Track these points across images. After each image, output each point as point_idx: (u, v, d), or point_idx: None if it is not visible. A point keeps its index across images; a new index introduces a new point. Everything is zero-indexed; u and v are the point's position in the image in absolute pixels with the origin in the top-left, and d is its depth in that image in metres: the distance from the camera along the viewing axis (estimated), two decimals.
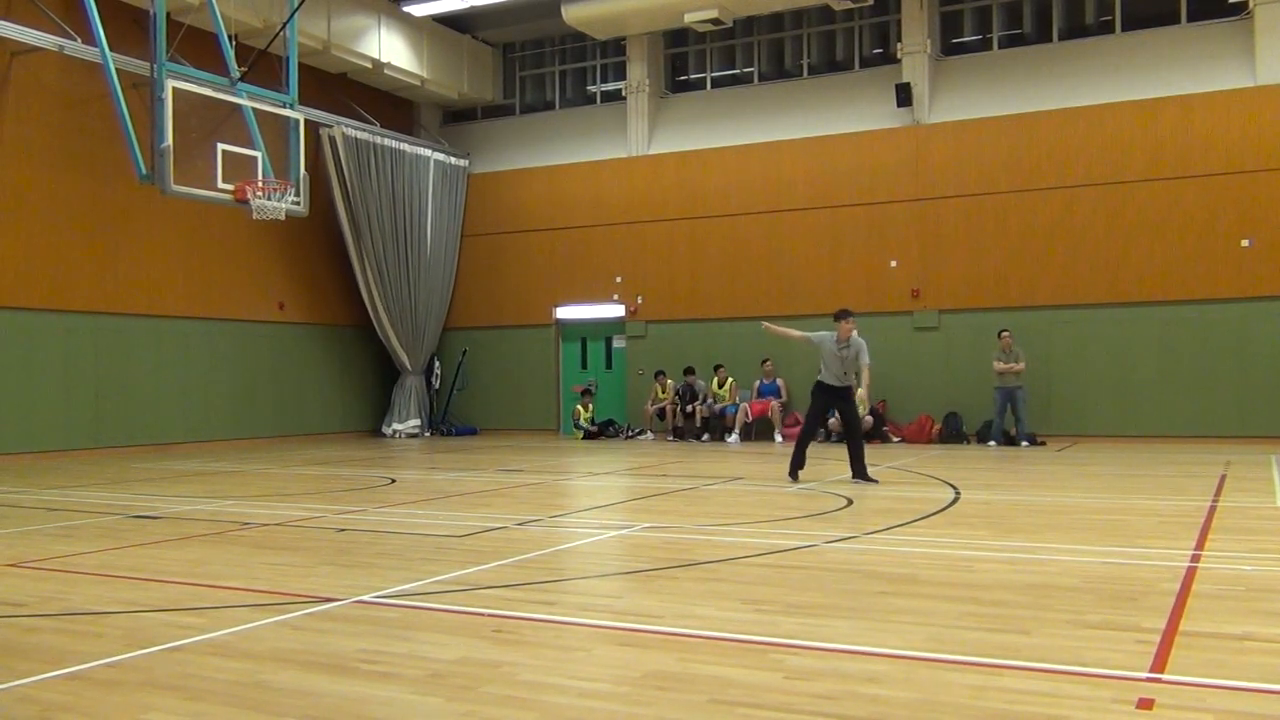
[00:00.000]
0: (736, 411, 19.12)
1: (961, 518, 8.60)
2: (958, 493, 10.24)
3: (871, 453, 15.97)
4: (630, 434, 20.51)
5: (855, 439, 11.39)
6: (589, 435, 20.22)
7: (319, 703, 3.85)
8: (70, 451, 16.09)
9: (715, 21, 18.82)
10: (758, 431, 19.24)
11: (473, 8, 20.39)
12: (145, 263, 17.44)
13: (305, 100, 17.05)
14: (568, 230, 21.59)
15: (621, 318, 21.25)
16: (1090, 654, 4.34)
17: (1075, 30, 18.57)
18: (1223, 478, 11.35)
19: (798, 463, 11.44)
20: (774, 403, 19.10)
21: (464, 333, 22.54)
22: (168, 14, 14.55)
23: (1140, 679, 3.98)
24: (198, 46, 15.62)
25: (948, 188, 18.55)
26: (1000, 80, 18.64)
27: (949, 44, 19.40)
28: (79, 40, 15.38)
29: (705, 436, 19.35)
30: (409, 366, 21.61)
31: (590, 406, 20.64)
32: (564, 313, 21.76)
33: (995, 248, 18.22)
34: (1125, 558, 6.64)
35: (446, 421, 22.14)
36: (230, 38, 15.38)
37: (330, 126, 19.92)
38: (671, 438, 19.78)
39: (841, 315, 11.22)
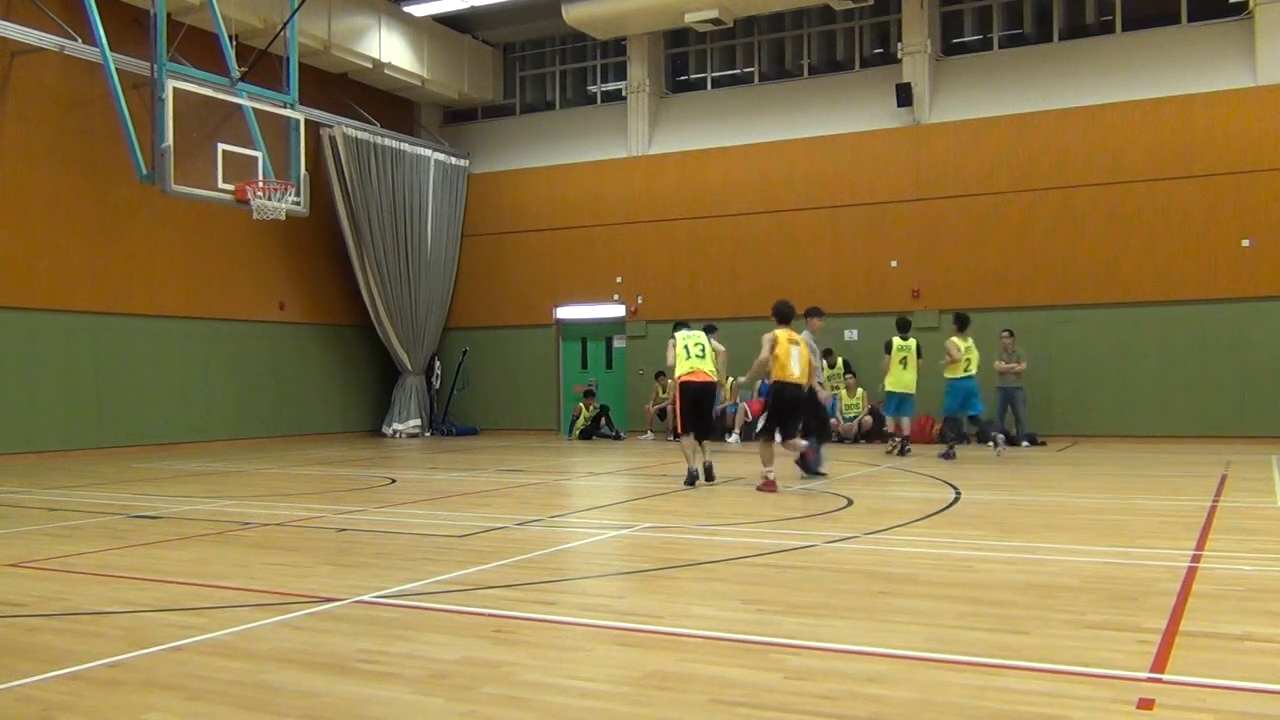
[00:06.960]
0: (736, 411, 19.11)
1: (962, 518, 8.60)
2: (958, 493, 10.24)
3: (872, 453, 16.03)
4: (624, 435, 20.42)
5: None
6: (585, 434, 20.15)
7: (319, 703, 3.85)
8: (71, 451, 16.09)
9: (716, 21, 18.82)
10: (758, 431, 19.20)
11: (473, 8, 20.39)
12: (145, 263, 17.44)
13: (305, 100, 17.05)
14: (568, 230, 21.58)
15: (622, 318, 21.24)
16: (1090, 654, 4.34)
17: (1075, 30, 18.56)
18: (1223, 478, 11.34)
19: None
20: None
21: (464, 333, 22.54)
22: (168, 14, 14.54)
23: (1140, 679, 3.98)
24: (198, 46, 15.63)
25: (947, 187, 18.54)
26: (1000, 80, 18.63)
27: (949, 44, 19.40)
28: (79, 40, 15.38)
29: None
30: (409, 366, 21.61)
31: (592, 407, 20.62)
32: (564, 313, 21.75)
33: (995, 247, 18.21)
34: (1125, 558, 6.64)
35: (447, 421, 22.13)
36: (230, 38, 15.38)
37: (330, 126, 19.92)
38: (672, 438, 19.73)
39: (815, 312, 12.21)
